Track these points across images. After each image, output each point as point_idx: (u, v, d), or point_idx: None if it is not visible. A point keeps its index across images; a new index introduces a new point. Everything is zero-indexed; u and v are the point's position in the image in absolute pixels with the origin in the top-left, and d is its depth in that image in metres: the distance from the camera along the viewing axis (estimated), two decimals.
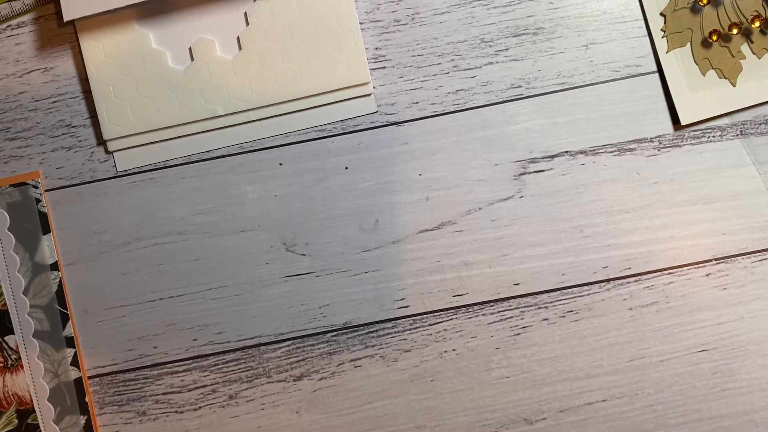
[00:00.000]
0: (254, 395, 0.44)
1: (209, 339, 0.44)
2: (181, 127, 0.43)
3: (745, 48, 0.42)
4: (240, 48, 0.43)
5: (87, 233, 0.44)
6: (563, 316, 0.43)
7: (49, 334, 0.43)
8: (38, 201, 0.44)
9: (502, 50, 0.43)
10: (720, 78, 0.43)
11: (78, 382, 0.43)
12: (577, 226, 0.43)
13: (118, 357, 0.44)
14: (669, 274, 0.43)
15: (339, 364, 0.43)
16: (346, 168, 0.44)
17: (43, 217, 0.43)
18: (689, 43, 0.43)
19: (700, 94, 0.43)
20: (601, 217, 0.43)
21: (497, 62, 0.43)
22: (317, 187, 0.44)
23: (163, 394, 0.44)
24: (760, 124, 0.43)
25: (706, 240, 0.43)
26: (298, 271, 0.43)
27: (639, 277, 0.43)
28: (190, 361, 0.44)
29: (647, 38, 0.43)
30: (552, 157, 0.43)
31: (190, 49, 0.43)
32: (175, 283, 0.44)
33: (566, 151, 0.43)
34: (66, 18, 0.41)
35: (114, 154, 0.44)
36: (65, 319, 0.43)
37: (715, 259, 0.43)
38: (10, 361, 0.43)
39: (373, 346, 0.43)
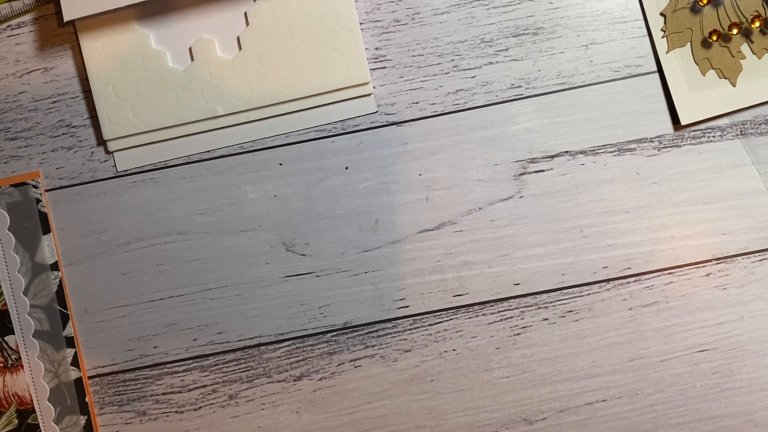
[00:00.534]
0: (254, 395, 0.44)
1: (209, 339, 0.44)
2: (181, 127, 0.43)
3: (745, 48, 0.42)
4: (240, 48, 0.43)
5: (87, 233, 0.44)
6: (563, 316, 0.43)
7: (49, 334, 0.43)
8: (38, 201, 0.44)
9: (502, 50, 0.43)
10: (720, 78, 0.43)
11: (78, 382, 0.43)
12: (577, 226, 0.43)
13: (118, 357, 0.44)
14: (669, 274, 0.43)
15: (339, 364, 0.43)
16: (346, 168, 0.43)
17: (43, 217, 0.43)
18: (689, 43, 0.43)
19: (700, 94, 0.43)
20: (601, 217, 0.43)
21: (497, 62, 0.43)
22: (317, 187, 0.43)
23: (163, 394, 0.44)
24: (760, 124, 0.43)
25: (706, 240, 0.43)
26: (298, 271, 0.43)
27: (639, 277, 0.43)
28: (190, 361, 0.44)
29: (647, 38, 0.43)
30: (552, 157, 0.43)
31: (190, 49, 0.43)
32: (175, 283, 0.44)
33: (566, 151, 0.43)
34: (66, 18, 0.41)
35: (114, 154, 0.44)
36: (65, 319, 0.43)
37: (715, 259, 0.43)
38: (10, 361, 0.43)
39: (373, 346, 0.43)
